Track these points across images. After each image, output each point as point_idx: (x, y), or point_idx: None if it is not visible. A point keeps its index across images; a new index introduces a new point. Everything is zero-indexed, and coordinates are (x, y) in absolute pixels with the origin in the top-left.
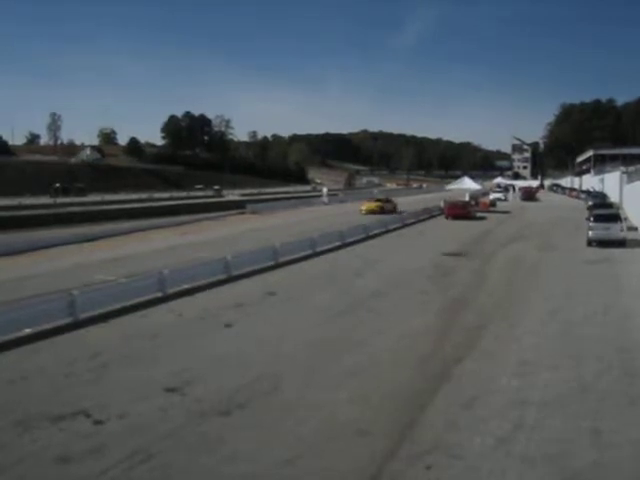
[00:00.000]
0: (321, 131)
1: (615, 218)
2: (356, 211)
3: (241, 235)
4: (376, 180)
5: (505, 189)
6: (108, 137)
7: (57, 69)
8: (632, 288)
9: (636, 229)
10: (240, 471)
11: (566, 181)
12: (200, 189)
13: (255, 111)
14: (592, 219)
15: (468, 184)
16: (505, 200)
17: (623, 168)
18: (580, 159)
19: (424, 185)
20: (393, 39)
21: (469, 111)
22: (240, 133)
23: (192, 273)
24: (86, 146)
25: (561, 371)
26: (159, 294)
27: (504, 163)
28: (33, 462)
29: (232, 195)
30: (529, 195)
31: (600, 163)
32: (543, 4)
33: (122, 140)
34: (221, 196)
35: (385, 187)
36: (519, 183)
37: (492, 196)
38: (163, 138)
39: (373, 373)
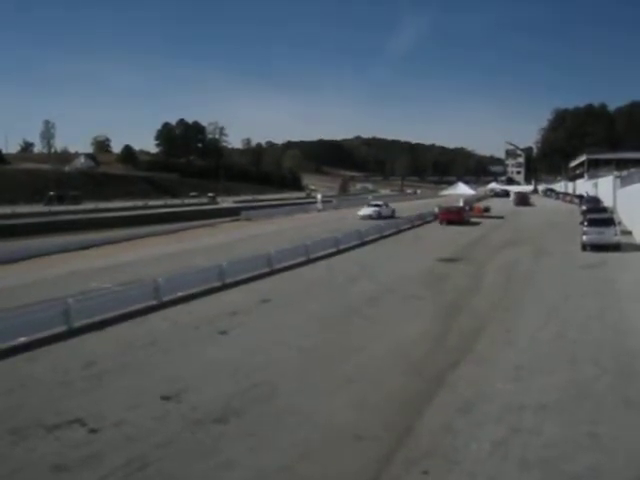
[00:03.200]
0: (315, 138)
1: (609, 222)
2: (353, 216)
3: (236, 242)
4: (370, 186)
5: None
6: (102, 145)
7: (51, 77)
8: (628, 292)
9: (630, 233)
10: (236, 478)
11: (560, 186)
12: (195, 196)
13: (249, 118)
14: (586, 223)
15: (462, 190)
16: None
17: (616, 172)
18: (573, 164)
19: (418, 191)
20: (387, 46)
21: (462, 116)
22: (234, 140)
23: (187, 280)
24: (80, 154)
25: (557, 375)
26: (154, 302)
27: (498, 168)
28: (29, 471)
29: (226, 202)
30: (523, 200)
31: (593, 168)
32: (536, 10)
33: (116, 148)
34: (216, 203)
35: (379, 193)
36: (513, 188)
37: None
38: (157, 146)
39: (369, 379)
